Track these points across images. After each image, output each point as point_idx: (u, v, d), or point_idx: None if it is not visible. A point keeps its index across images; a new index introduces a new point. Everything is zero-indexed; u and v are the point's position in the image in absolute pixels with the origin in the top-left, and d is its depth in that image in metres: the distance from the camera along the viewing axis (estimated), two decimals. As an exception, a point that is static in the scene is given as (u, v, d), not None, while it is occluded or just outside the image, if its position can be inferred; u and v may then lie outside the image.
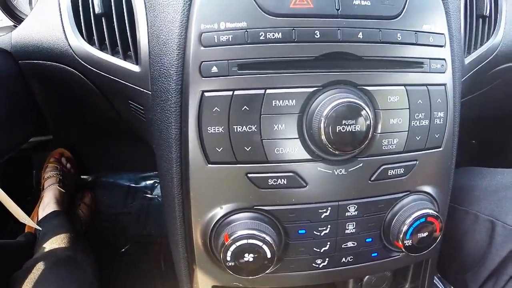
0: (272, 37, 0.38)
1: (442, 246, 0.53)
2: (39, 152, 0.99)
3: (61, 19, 0.49)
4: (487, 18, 0.54)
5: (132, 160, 1.14)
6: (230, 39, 0.38)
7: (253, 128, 0.39)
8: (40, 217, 0.85)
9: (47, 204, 0.88)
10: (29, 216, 0.91)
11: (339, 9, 0.39)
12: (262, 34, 0.38)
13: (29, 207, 0.95)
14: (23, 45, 0.53)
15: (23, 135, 0.61)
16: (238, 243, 0.40)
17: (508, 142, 0.92)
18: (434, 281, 0.71)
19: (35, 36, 0.52)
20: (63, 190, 0.94)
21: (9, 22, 0.61)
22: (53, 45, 0.51)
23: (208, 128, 0.40)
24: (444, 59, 0.44)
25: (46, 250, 0.66)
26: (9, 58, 0.54)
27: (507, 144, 0.93)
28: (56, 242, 0.68)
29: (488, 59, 0.55)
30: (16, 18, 0.62)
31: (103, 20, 0.46)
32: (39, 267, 0.59)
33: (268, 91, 0.39)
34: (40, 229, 0.72)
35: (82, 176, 1.16)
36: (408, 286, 0.56)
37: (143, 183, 1.19)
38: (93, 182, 1.18)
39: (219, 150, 0.40)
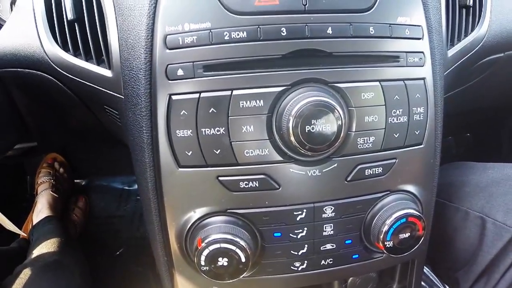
0: (237, 37, 0.37)
1: (434, 243, 0.52)
2: (27, 158, 1.00)
3: (36, 26, 0.49)
4: (471, 8, 0.52)
5: (125, 163, 1.14)
6: (195, 41, 0.37)
7: (221, 130, 0.38)
8: (34, 223, 0.86)
9: (41, 210, 0.89)
10: (24, 222, 0.93)
11: (306, 4, 0.38)
12: (226, 34, 0.37)
13: (24, 213, 0.96)
14: (1, 53, 0.53)
15: (7, 143, 0.61)
16: (211, 247, 0.39)
17: (501, 134, 0.89)
18: (431, 277, 0.70)
19: (12, 44, 0.52)
20: (56, 195, 0.95)
21: (-10, 31, 0.61)
22: (29, 52, 0.51)
23: (177, 132, 0.39)
24: (422, 52, 0.43)
25: (35, 255, 0.67)
26: (-12, 66, 0.54)
27: (500, 137, 0.90)
28: (45, 247, 0.69)
29: (473, 51, 0.53)
30: (-2, 26, 0.62)
31: (76, 26, 0.46)
32: (27, 272, 0.60)
33: (234, 92, 0.38)
34: (24, 234, 0.72)
35: (75, 180, 1.17)
36: (396, 286, 0.54)
37: (136, 186, 1.19)
38: (86, 186, 1.19)
39: (189, 154, 0.40)
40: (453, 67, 0.51)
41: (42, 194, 0.94)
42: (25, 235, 0.69)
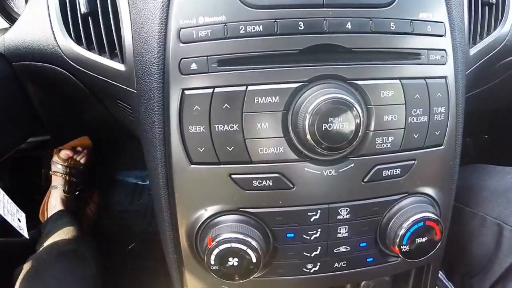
0: (253, 31, 0.36)
1: (449, 248, 0.50)
2: (40, 151, 1.00)
3: (50, 20, 0.49)
4: (493, 6, 0.50)
5: (138, 157, 1.13)
6: (209, 34, 0.37)
7: (235, 127, 0.38)
8: (46, 217, 0.87)
9: (54, 206, 0.90)
10: (36, 215, 0.94)
11: (325, -2, 0.37)
12: (242, 28, 0.36)
13: (37, 205, 0.97)
14: (16, 47, 0.53)
15: (20, 136, 0.61)
16: (221, 247, 0.39)
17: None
18: (445, 282, 0.68)
19: (26, 38, 0.52)
20: (68, 195, 0.95)
21: (5, 24, 0.61)
22: (43, 46, 0.51)
23: (190, 128, 0.38)
24: (444, 50, 0.41)
25: (48, 244, 0.67)
26: (3, 60, 0.54)
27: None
28: (58, 236, 0.69)
29: (496, 50, 0.51)
30: (13, 19, 0.62)
31: (90, 19, 0.46)
32: (41, 260, 0.60)
33: (249, 87, 0.37)
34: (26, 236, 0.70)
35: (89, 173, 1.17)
36: (410, 291, 0.53)
37: (150, 181, 1.19)
38: (101, 180, 1.18)
39: (201, 150, 0.39)
40: (475, 66, 0.49)
41: (55, 191, 0.94)
42: (27, 236, 0.67)
